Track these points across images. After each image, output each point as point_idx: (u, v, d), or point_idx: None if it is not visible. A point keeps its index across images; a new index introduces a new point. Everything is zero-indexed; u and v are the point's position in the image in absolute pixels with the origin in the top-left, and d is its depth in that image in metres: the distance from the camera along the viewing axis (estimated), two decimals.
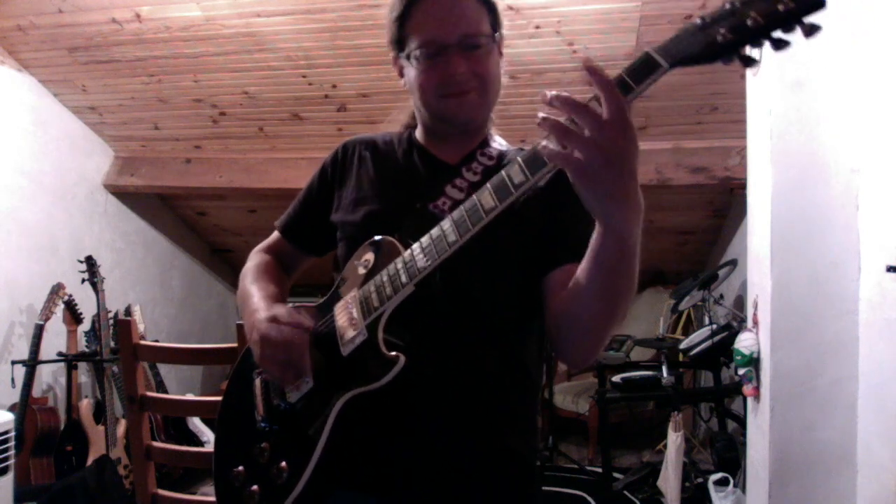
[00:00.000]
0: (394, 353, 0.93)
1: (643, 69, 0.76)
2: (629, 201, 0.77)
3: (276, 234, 1.29)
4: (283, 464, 0.99)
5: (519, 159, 0.84)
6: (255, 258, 1.27)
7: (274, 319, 1.00)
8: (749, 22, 0.69)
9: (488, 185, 0.87)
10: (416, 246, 0.94)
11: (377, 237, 1.03)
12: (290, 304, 1.11)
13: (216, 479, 1.11)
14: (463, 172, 1.08)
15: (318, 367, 1.00)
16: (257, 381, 1.11)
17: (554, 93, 0.75)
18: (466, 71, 1.02)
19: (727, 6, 0.72)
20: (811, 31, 0.69)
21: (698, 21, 0.73)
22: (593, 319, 0.93)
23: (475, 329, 1.03)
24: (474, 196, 0.88)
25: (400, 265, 0.95)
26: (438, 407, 1.00)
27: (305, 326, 1.00)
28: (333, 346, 1.00)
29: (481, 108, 1.09)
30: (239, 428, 1.11)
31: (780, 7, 0.68)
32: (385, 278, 0.97)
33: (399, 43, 1.07)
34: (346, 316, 1.01)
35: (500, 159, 1.11)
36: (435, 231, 0.92)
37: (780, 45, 0.70)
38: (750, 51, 0.72)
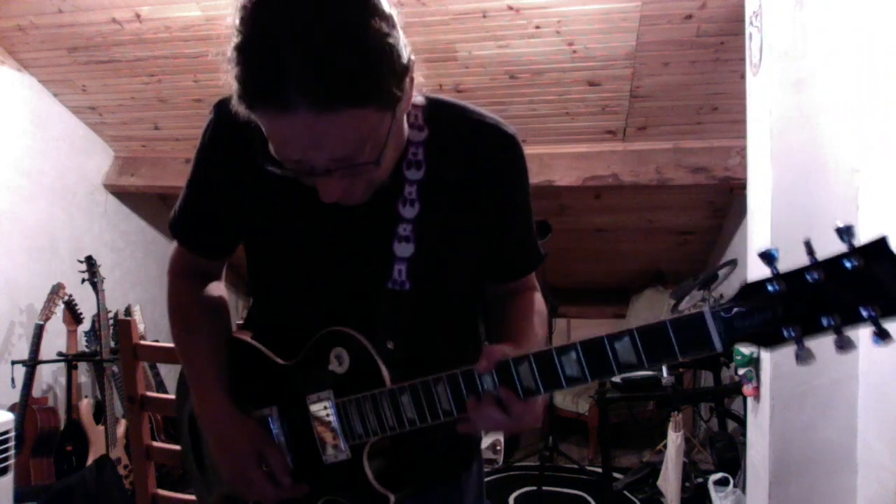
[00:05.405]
0: (384, 491, 0.92)
1: (697, 344, 0.73)
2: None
3: (181, 248, 1.07)
4: None
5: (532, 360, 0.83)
6: (177, 291, 1.08)
7: (245, 459, 0.95)
8: (825, 321, 0.68)
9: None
10: (406, 395, 0.88)
11: (347, 333, 0.92)
12: (244, 339, 1.05)
13: None
14: (405, 190, 0.93)
15: (295, 461, 0.98)
16: None
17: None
18: (344, 190, 0.81)
19: (802, 296, 0.67)
20: (883, 336, 0.67)
21: (777, 311, 0.69)
22: None
23: (446, 327, 1.03)
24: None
25: (387, 407, 0.89)
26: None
27: (285, 485, 0.96)
28: (311, 442, 0.96)
29: (372, 191, 0.87)
30: (209, 479, 1.07)
31: (865, 313, 0.66)
32: (369, 407, 0.91)
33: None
34: (324, 421, 0.95)
35: (429, 149, 0.93)
36: (426, 387, 0.87)
37: (844, 345, 0.69)
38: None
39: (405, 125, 0.88)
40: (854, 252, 0.65)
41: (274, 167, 0.80)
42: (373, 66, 0.72)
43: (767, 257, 0.69)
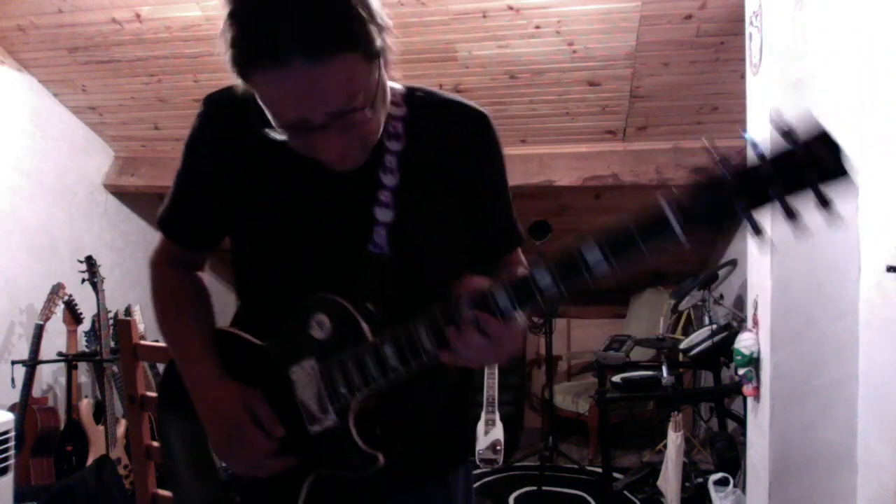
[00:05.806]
0: (372, 451, 0.92)
1: (657, 230, 0.77)
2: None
3: (169, 242, 1.13)
4: None
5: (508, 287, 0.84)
6: (164, 277, 1.12)
7: (234, 415, 0.95)
8: (771, 192, 0.73)
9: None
10: (387, 344, 0.88)
11: (328, 297, 0.93)
12: (224, 329, 1.05)
13: None
14: (385, 159, 0.97)
15: (283, 438, 0.96)
16: None
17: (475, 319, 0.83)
18: (342, 146, 0.85)
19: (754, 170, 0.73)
20: (825, 204, 0.71)
21: (725, 182, 0.74)
22: None
23: (427, 301, 1.00)
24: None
25: (370, 360, 0.89)
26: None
27: (276, 436, 0.96)
28: (297, 417, 0.95)
29: (367, 152, 0.91)
30: (196, 468, 1.06)
31: (804, 177, 0.71)
32: (352, 364, 0.91)
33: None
34: (310, 389, 0.94)
35: (407, 125, 0.98)
36: (407, 332, 0.87)
37: (791, 215, 0.74)
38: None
39: (388, 89, 0.91)
40: (787, 134, 0.73)
41: (272, 132, 0.83)
42: (357, 14, 0.79)
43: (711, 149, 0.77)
